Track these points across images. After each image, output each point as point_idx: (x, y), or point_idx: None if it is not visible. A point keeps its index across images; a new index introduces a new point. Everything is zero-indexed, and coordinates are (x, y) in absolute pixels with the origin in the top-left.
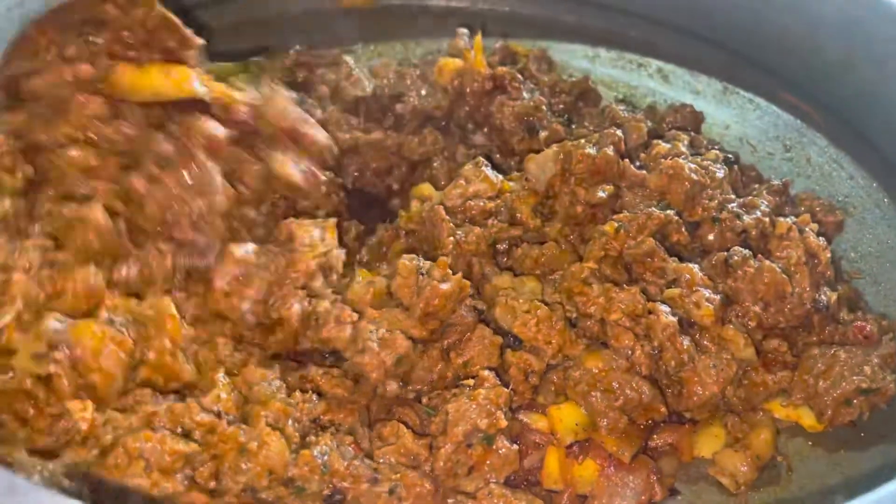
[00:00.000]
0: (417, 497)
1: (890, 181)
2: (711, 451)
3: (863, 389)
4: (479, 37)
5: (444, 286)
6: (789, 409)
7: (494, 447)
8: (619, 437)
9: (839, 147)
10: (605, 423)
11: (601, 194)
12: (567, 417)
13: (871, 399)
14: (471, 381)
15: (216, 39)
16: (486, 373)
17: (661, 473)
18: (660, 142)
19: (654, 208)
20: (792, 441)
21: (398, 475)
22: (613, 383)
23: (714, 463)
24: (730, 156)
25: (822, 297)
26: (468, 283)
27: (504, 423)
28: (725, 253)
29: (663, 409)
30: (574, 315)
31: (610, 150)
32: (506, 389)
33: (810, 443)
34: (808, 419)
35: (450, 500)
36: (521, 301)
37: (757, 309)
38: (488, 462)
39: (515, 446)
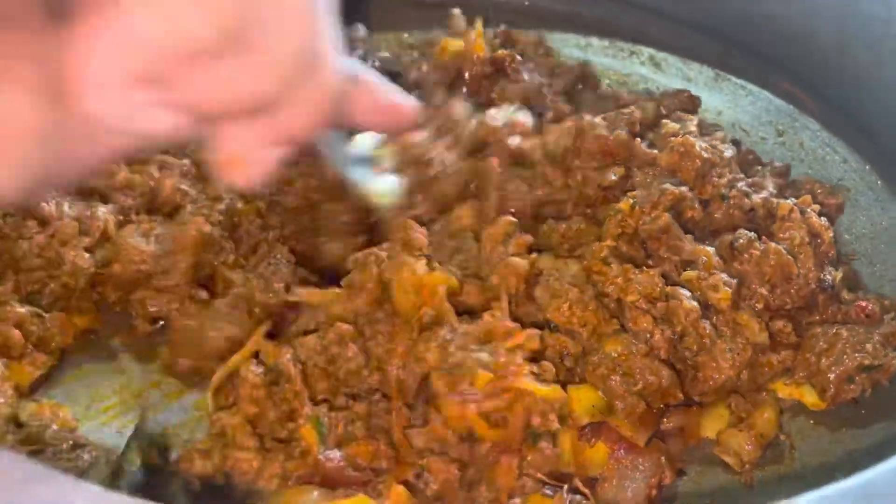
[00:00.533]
0: (444, 483)
1: (883, 164)
2: (716, 431)
3: (865, 366)
4: (479, 22)
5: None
6: (792, 388)
7: (538, 445)
8: (635, 421)
9: (832, 131)
10: (622, 407)
11: (612, 177)
12: (585, 398)
13: (873, 376)
14: None
15: None
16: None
17: (669, 456)
18: (668, 121)
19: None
20: (795, 420)
21: (424, 460)
22: (634, 368)
23: (718, 443)
24: (735, 137)
25: (827, 276)
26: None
27: (556, 426)
28: (731, 237)
29: (680, 395)
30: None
31: (623, 132)
32: (563, 392)
33: (812, 421)
34: (810, 397)
35: (483, 491)
36: (559, 285)
37: (764, 291)
38: (529, 458)
39: (558, 449)
